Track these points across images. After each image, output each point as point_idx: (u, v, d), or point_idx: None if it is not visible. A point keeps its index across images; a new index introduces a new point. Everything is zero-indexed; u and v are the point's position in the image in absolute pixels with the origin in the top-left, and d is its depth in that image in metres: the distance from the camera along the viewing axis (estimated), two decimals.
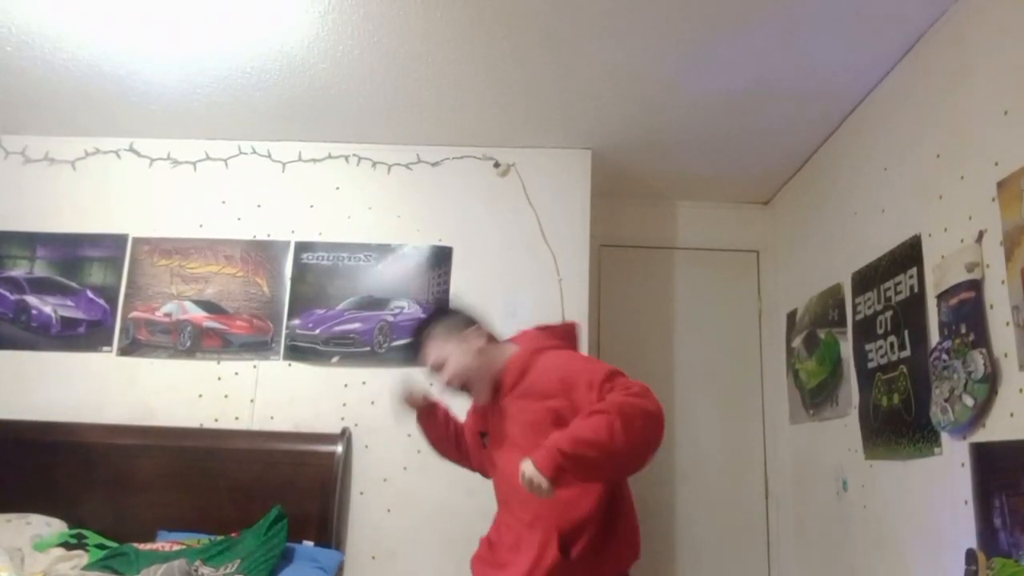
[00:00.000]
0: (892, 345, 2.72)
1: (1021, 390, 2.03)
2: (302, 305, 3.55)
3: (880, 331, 2.82)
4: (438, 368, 2.15)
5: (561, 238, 3.58)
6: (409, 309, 3.53)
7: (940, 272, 2.42)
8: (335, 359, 3.48)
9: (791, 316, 3.81)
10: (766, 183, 4.03)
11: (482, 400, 2.17)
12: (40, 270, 3.62)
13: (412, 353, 2.23)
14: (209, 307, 3.56)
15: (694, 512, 3.97)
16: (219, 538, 2.99)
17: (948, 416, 2.27)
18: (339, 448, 3.27)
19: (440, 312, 2.44)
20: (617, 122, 3.40)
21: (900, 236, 2.72)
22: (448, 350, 2.14)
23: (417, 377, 2.39)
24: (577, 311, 3.50)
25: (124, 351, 3.52)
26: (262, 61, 2.99)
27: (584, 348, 3.46)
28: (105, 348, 3.52)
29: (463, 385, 2.14)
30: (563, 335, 2.29)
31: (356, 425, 3.39)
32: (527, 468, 1.81)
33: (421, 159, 3.69)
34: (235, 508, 3.15)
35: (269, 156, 3.71)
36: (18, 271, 3.62)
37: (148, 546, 2.92)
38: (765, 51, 2.80)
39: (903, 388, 2.63)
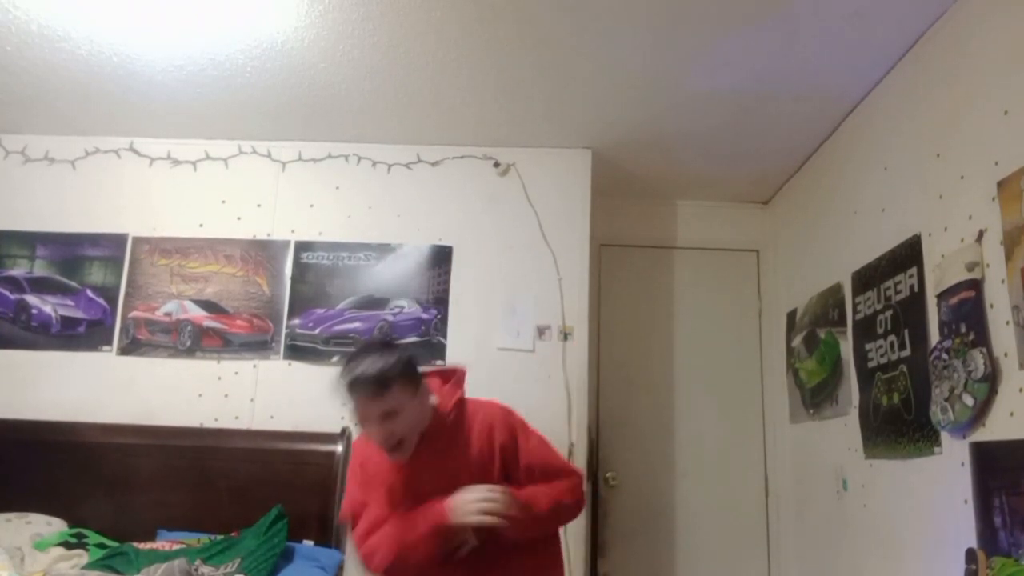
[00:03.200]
0: (892, 344, 2.72)
1: (1021, 389, 2.03)
2: (302, 305, 3.55)
3: (880, 330, 2.82)
4: (389, 418, 1.87)
5: (561, 238, 3.59)
6: (409, 308, 3.53)
7: (940, 271, 2.42)
8: (335, 359, 3.48)
9: (791, 316, 3.81)
10: (766, 183, 4.03)
11: (405, 456, 1.93)
12: (40, 269, 3.62)
13: (362, 390, 1.85)
14: (209, 307, 3.56)
15: (694, 512, 3.98)
16: (219, 537, 2.99)
17: (948, 415, 2.27)
18: (339, 448, 3.27)
19: (406, 360, 1.94)
20: (617, 121, 3.40)
21: (900, 236, 2.72)
22: (406, 403, 1.89)
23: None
24: (577, 311, 3.51)
25: (124, 350, 3.52)
26: (262, 61, 2.99)
27: (584, 348, 3.49)
28: (105, 347, 3.52)
29: (399, 442, 1.90)
30: (459, 381, 2.10)
31: (356, 425, 3.38)
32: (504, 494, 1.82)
33: (421, 159, 3.69)
34: (235, 507, 3.15)
35: (269, 156, 3.71)
36: (18, 270, 3.62)
37: (148, 545, 2.93)
38: (765, 51, 2.80)
39: (903, 387, 2.63)
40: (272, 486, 3.18)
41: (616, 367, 4.09)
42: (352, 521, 2.01)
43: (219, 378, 3.48)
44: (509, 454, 2.00)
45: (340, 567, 3.14)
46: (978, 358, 2.15)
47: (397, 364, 1.88)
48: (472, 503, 1.82)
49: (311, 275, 3.59)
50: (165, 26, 2.79)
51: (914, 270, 2.60)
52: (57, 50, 2.96)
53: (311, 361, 3.49)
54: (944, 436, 2.37)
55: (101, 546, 3.00)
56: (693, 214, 4.28)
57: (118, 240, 3.64)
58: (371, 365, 1.85)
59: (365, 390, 1.84)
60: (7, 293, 3.59)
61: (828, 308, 3.35)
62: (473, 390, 2.14)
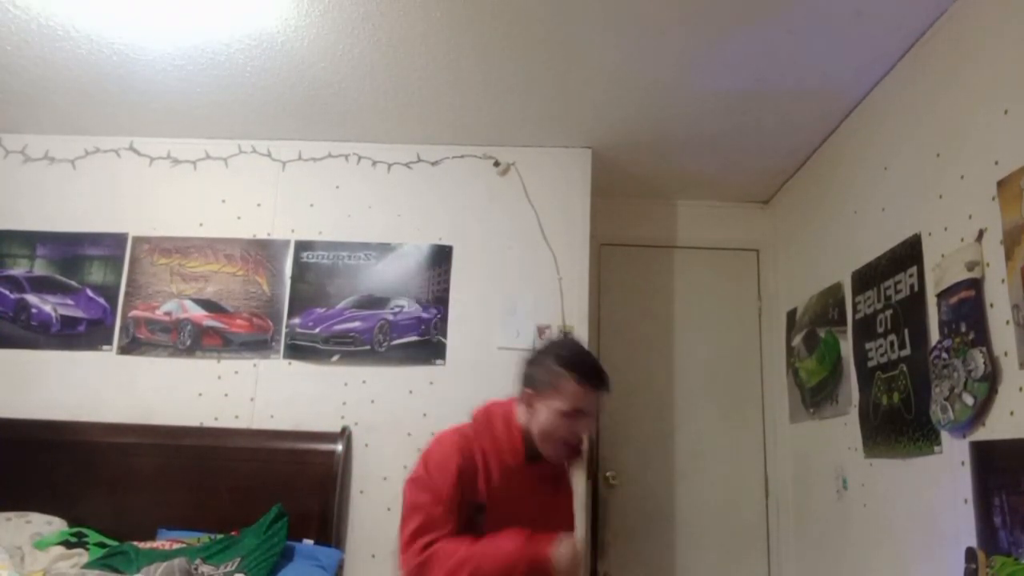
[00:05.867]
0: (892, 344, 2.72)
1: (1021, 389, 2.03)
2: (302, 304, 3.55)
3: (880, 330, 2.82)
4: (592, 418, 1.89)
5: (561, 237, 3.59)
6: (409, 308, 3.53)
7: (940, 271, 2.42)
8: (335, 358, 3.48)
9: (791, 315, 3.81)
10: (766, 182, 4.03)
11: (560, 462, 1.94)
12: (40, 269, 3.62)
13: (606, 387, 1.86)
14: (209, 306, 3.56)
15: (694, 512, 3.98)
16: (219, 536, 3.00)
17: (948, 415, 2.27)
18: (339, 447, 3.27)
19: None
20: (617, 121, 3.40)
21: (900, 235, 2.72)
22: None
23: None
24: (577, 311, 3.51)
25: (124, 350, 3.52)
26: (262, 60, 2.99)
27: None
28: (105, 347, 3.52)
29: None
30: None
31: (356, 424, 3.39)
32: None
33: (421, 158, 3.69)
34: (235, 507, 3.15)
35: (269, 155, 3.71)
36: (18, 270, 3.62)
37: (148, 544, 2.93)
38: (765, 51, 2.80)
39: (903, 387, 2.63)
40: (272, 485, 3.18)
41: (616, 367, 4.06)
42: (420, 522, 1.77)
43: (219, 377, 3.48)
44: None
45: (340, 566, 3.14)
46: (978, 357, 2.15)
47: None
48: (571, 562, 1.73)
49: (311, 274, 3.59)
50: (165, 25, 2.79)
51: (914, 270, 2.60)
52: (57, 49, 2.95)
53: (311, 360, 3.49)
54: (944, 435, 2.37)
55: (101, 545, 3.00)
56: (693, 214, 4.28)
57: (118, 240, 3.64)
58: (600, 366, 1.88)
59: (606, 388, 1.86)
60: (7, 293, 3.59)
61: (828, 307, 3.35)
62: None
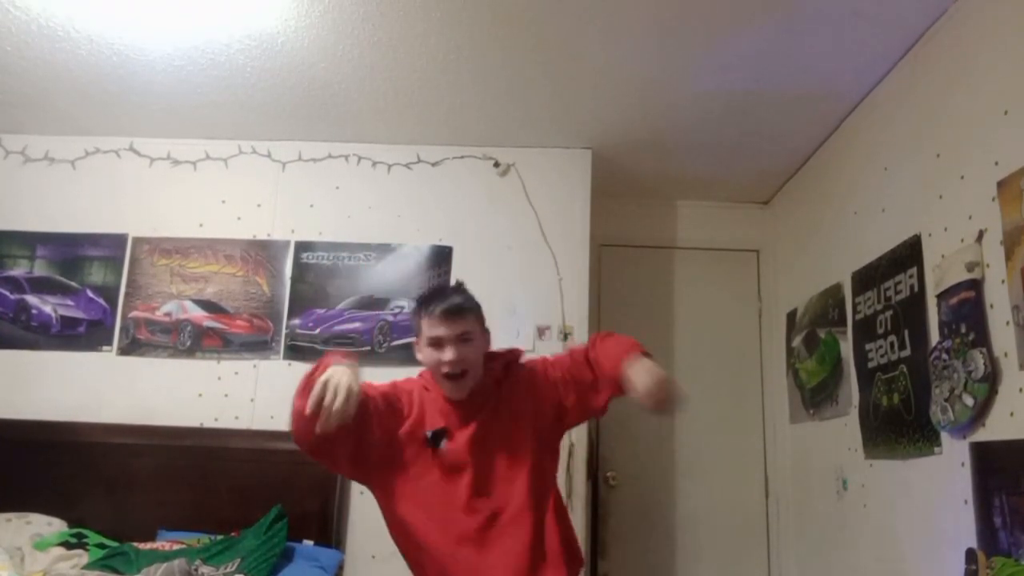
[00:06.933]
0: (892, 345, 2.72)
1: (1021, 389, 2.03)
2: (302, 305, 3.55)
3: (880, 331, 2.82)
4: (465, 341, 2.00)
5: (561, 238, 3.58)
6: (409, 309, 3.53)
7: (940, 272, 2.42)
8: None
9: (791, 316, 3.81)
10: (766, 183, 4.03)
11: (463, 392, 2.03)
12: (40, 270, 3.62)
13: (452, 310, 1.99)
14: (209, 307, 3.56)
15: (694, 512, 3.97)
16: (219, 537, 3.00)
17: (948, 415, 2.27)
18: None
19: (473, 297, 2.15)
20: (617, 122, 3.40)
21: (900, 236, 2.72)
22: (478, 334, 2.06)
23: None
24: (577, 311, 3.51)
25: (124, 351, 3.52)
26: (262, 61, 2.99)
27: None
28: (105, 347, 3.52)
29: (464, 372, 2.00)
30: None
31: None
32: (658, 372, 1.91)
33: (421, 159, 3.69)
34: (235, 507, 3.15)
35: (269, 156, 3.71)
36: (18, 271, 3.62)
37: (148, 545, 2.93)
38: (765, 51, 2.80)
39: (903, 387, 2.63)
40: (272, 486, 3.18)
41: None
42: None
43: (219, 378, 3.48)
44: (550, 392, 2.13)
45: (340, 567, 3.14)
46: (978, 358, 2.15)
47: (474, 300, 2.10)
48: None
49: (311, 275, 3.59)
50: (165, 26, 2.79)
51: (914, 270, 2.60)
52: (57, 50, 2.95)
53: (311, 361, 3.41)
54: (944, 436, 2.37)
55: (101, 546, 3.00)
56: (693, 214, 4.27)
57: (118, 240, 3.64)
58: (455, 295, 2.06)
59: (450, 311, 2.00)
60: (7, 293, 3.59)
61: (828, 308, 3.34)
62: None
